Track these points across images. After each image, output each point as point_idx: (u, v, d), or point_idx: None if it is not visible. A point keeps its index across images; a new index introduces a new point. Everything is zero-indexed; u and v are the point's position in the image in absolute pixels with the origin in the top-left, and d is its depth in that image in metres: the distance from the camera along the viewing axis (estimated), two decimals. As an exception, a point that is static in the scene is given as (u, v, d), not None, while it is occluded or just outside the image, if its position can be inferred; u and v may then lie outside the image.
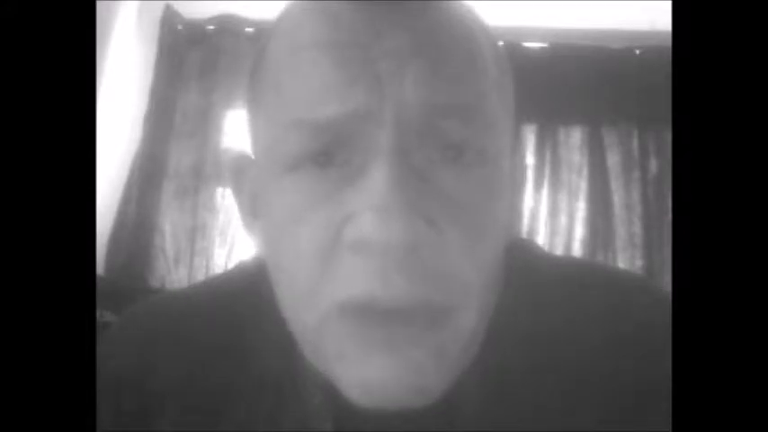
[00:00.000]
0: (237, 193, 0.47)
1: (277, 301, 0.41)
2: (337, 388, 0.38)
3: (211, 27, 2.00)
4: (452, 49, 0.39)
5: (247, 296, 0.46)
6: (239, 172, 0.46)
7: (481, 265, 0.38)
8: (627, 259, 1.85)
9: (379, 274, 0.36)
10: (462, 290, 0.37)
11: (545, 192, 1.89)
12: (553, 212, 1.88)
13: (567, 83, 1.89)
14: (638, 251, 1.85)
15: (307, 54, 0.39)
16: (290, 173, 0.38)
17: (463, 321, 0.38)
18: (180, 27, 2.01)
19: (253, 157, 0.44)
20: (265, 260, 0.43)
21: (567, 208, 1.89)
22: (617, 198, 1.88)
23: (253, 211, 0.45)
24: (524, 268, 0.45)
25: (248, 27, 1.95)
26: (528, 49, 1.93)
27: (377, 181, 0.36)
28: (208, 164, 1.90)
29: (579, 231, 1.88)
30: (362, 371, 0.37)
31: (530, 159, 1.90)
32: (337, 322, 0.37)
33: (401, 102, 0.37)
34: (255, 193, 0.44)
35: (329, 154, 0.38)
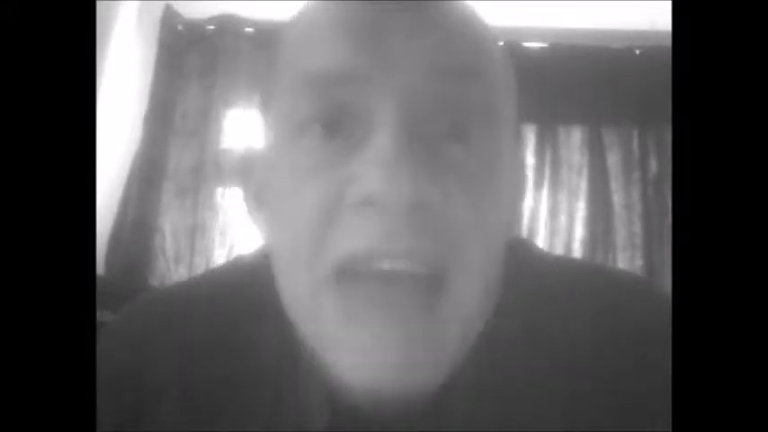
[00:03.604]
0: (245, 184, 0.47)
1: (274, 269, 0.41)
2: (328, 363, 0.38)
3: (211, 27, 2.00)
4: (459, 38, 0.40)
5: (245, 290, 0.46)
6: (248, 163, 0.47)
7: (484, 236, 0.38)
8: (627, 259, 1.85)
9: (383, 231, 0.36)
10: (464, 255, 0.37)
11: (545, 192, 1.89)
12: (553, 212, 1.88)
13: (567, 83, 1.89)
14: (638, 251, 1.84)
15: (321, 34, 0.40)
16: (298, 138, 0.39)
17: (463, 291, 0.38)
18: (180, 27, 2.01)
19: (263, 147, 0.45)
20: (269, 253, 0.43)
21: (567, 208, 1.88)
22: (617, 198, 1.88)
23: (259, 200, 0.45)
24: (523, 268, 0.45)
25: (248, 27, 1.95)
26: (528, 49, 1.93)
27: (383, 141, 0.36)
28: (208, 164, 1.90)
29: (579, 231, 1.87)
30: (356, 338, 0.36)
31: (530, 159, 1.89)
32: (333, 291, 0.37)
33: (408, 69, 0.37)
34: (263, 182, 0.44)
35: (336, 122, 0.38)
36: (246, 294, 0.46)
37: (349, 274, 0.36)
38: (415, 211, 0.36)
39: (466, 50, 0.40)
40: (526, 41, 1.93)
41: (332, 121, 0.38)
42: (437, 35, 0.39)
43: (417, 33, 0.38)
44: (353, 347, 0.37)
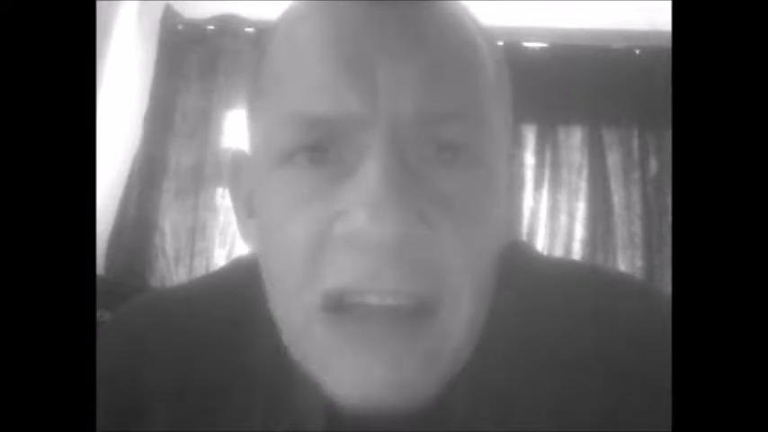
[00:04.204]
0: (234, 190, 0.47)
1: (268, 298, 0.41)
2: (324, 388, 0.38)
3: (211, 27, 2.00)
4: (451, 55, 0.39)
5: (243, 292, 0.46)
6: (236, 169, 0.47)
7: (473, 263, 0.38)
8: (627, 259, 1.85)
9: (370, 268, 0.36)
10: (453, 287, 0.37)
11: (545, 192, 1.89)
12: (553, 212, 1.88)
13: (567, 83, 1.89)
14: (638, 251, 1.84)
15: (308, 50, 0.39)
16: (284, 167, 0.39)
17: (453, 319, 0.38)
18: (180, 27, 2.01)
19: (249, 153, 0.44)
20: (258, 258, 0.43)
21: (567, 208, 1.88)
22: (617, 198, 1.87)
23: (248, 208, 0.45)
24: (520, 270, 0.45)
25: (248, 27, 1.95)
26: (528, 49, 1.93)
27: (370, 177, 0.36)
28: (208, 164, 1.90)
29: (579, 231, 1.87)
30: (349, 371, 0.37)
31: (530, 159, 1.89)
32: (324, 320, 0.37)
33: (397, 108, 0.37)
34: (251, 191, 0.44)
35: (323, 150, 0.38)
36: (244, 296, 0.46)
37: (338, 307, 0.37)
38: (402, 248, 0.36)
39: (456, 71, 0.39)
40: (526, 41, 1.92)
41: (318, 149, 0.38)
42: (426, 57, 0.38)
43: (405, 56, 0.37)
44: (343, 375, 0.37)
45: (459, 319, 0.38)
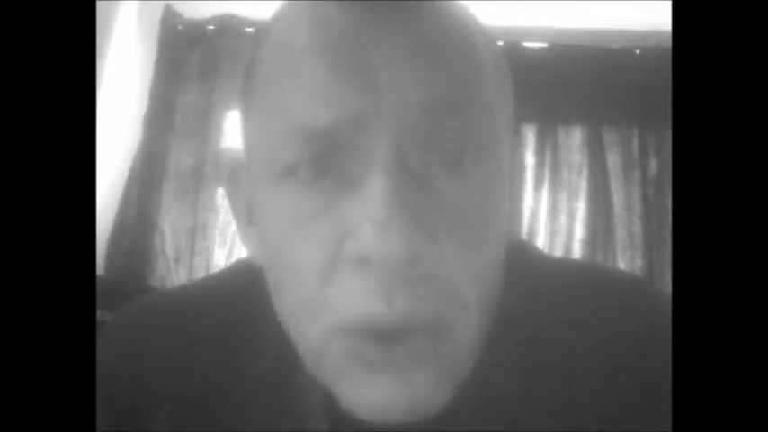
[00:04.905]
0: (233, 199, 0.47)
1: (278, 314, 0.41)
2: (338, 401, 0.38)
3: (211, 27, 2.00)
4: (450, 51, 0.38)
5: (245, 294, 0.46)
6: (234, 179, 0.46)
7: (482, 276, 0.38)
8: (627, 259, 1.85)
9: (381, 292, 0.35)
10: (463, 304, 0.37)
11: (545, 192, 1.89)
12: (553, 212, 1.88)
13: (567, 83, 1.89)
14: (638, 251, 1.84)
15: (300, 59, 0.38)
16: (286, 181, 0.38)
17: (464, 336, 0.37)
18: (180, 27, 2.01)
19: (246, 161, 0.43)
20: (263, 270, 0.42)
21: (567, 208, 1.88)
22: (617, 198, 1.88)
23: (248, 217, 0.44)
24: (522, 270, 0.45)
25: (248, 27, 1.95)
26: (528, 49, 1.93)
27: (375, 193, 0.35)
28: (208, 164, 1.90)
29: (579, 231, 1.88)
30: (364, 391, 0.37)
31: (530, 159, 1.89)
32: (339, 341, 0.37)
33: (399, 104, 0.36)
34: (250, 199, 0.43)
35: (325, 163, 0.37)
36: (246, 298, 0.46)
37: (353, 329, 0.36)
38: (412, 264, 0.35)
39: (457, 72, 0.38)
40: (526, 41, 1.93)
41: (319, 160, 0.37)
42: (425, 58, 0.37)
43: (404, 57, 0.36)
44: (359, 395, 0.37)
45: (472, 333, 0.38)
